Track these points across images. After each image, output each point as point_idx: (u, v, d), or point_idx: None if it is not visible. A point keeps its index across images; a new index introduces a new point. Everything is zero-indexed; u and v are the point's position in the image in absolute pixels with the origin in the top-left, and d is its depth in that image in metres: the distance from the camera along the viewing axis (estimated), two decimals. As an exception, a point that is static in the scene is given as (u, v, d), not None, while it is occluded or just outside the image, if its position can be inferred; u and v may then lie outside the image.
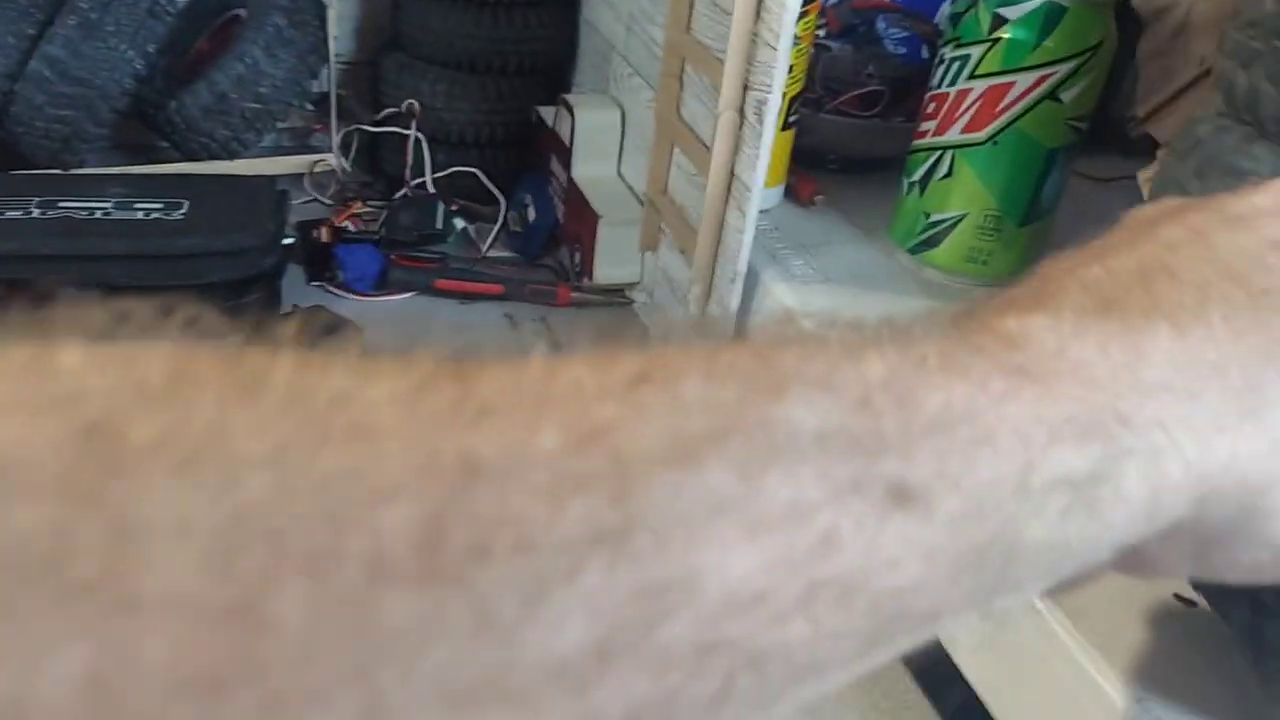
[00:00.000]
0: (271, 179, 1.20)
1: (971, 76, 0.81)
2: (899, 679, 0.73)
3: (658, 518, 0.21)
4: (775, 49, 0.79)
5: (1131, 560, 0.29)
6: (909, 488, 0.23)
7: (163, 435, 0.19)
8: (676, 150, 0.99)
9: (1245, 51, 0.64)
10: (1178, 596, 0.57)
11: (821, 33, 1.16)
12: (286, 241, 1.14)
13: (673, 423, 0.22)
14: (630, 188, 1.20)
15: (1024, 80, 0.79)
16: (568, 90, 1.43)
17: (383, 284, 1.15)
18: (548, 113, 1.31)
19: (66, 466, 0.19)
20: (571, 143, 1.21)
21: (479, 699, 0.20)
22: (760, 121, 0.81)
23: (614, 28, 1.23)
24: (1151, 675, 0.52)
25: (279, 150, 1.42)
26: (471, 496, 0.20)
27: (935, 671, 0.66)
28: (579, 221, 1.19)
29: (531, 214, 1.29)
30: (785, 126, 0.98)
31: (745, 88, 0.83)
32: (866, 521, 0.23)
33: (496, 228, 1.30)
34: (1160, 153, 0.73)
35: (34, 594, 0.18)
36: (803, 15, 0.89)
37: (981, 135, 0.83)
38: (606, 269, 1.17)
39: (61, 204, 1.06)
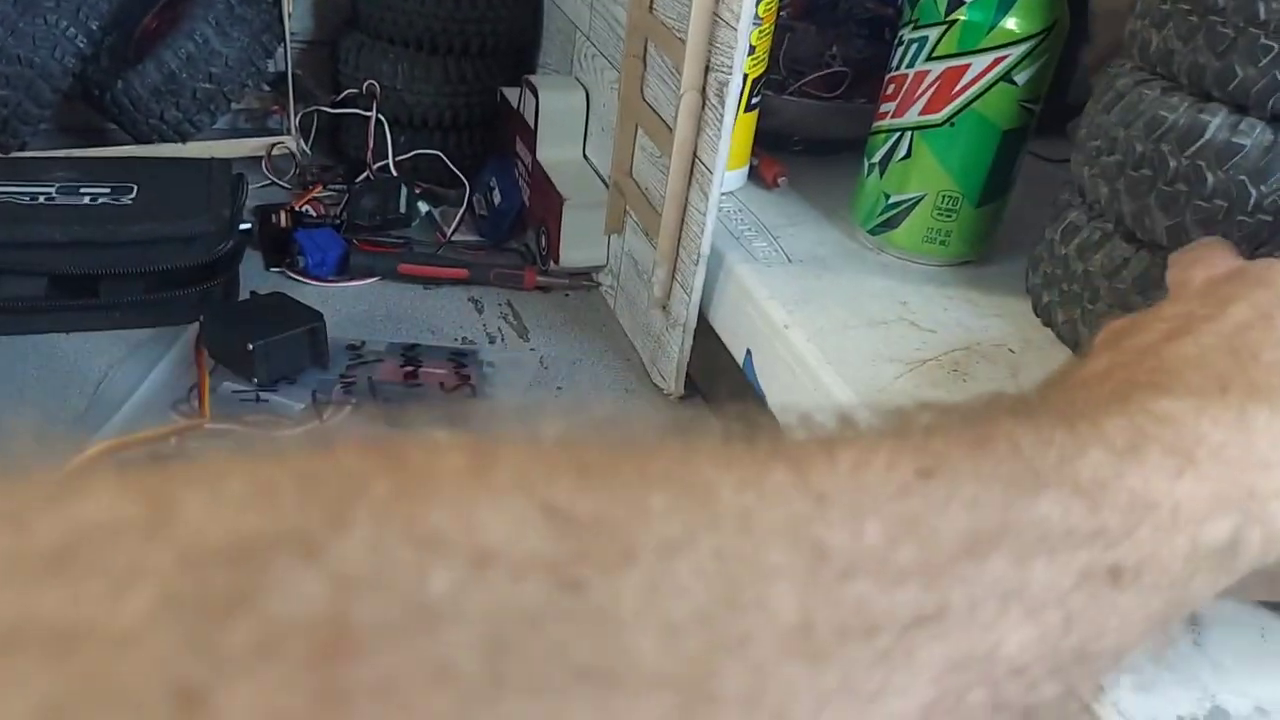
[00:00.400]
0: (226, 162, 1.19)
1: (929, 58, 0.83)
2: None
3: (962, 601, 0.26)
4: (735, 29, 0.79)
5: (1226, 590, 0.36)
6: (1123, 570, 0.30)
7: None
8: (640, 132, 1.00)
9: (1157, 14, 0.70)
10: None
11: (785, 14, 1.17)
12: (244, 227, 1.14)
13: (963, 518, 0.27)
14: (596, 170, 1.21)
15: (980, 62, 0.81)
16: (533, 71, 1.43)
17: (344, 270, 1.15)
18: (512, 94, 1.32)
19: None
20: (536, 125, 1.21)
21: None
22: (721, 103, 0.82)
23: (578, 7, 1.23)
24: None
25: (234, 133, 1.41)
26: (830, 584, 0.25)
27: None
28: (544, 205, 1.20)
29: (497, 197, 1.30)
30: (748, 109, 0.99)
31: (707, 69, 0.84)
32: (1094, 601, 0.29)
33: (461, 211, 1.30)
34: (1087, 105, 0.77)
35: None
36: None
37: (939, 117, 0.85)
38: (573, 252, 1.17)
39: (1, 190, 1.03)
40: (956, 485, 0.28)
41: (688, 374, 0.99)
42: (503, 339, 1.06)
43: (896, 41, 0.87)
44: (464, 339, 1.05)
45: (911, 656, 0.25)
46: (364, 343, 1.01)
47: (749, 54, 0.90)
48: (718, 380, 1.00)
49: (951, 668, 0.26)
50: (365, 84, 1.35)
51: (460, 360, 0.98)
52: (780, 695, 0.23)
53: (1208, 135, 0.67)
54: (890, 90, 0.88)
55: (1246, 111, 0.67)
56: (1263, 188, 0.66)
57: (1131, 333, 0.44)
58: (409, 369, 0.96)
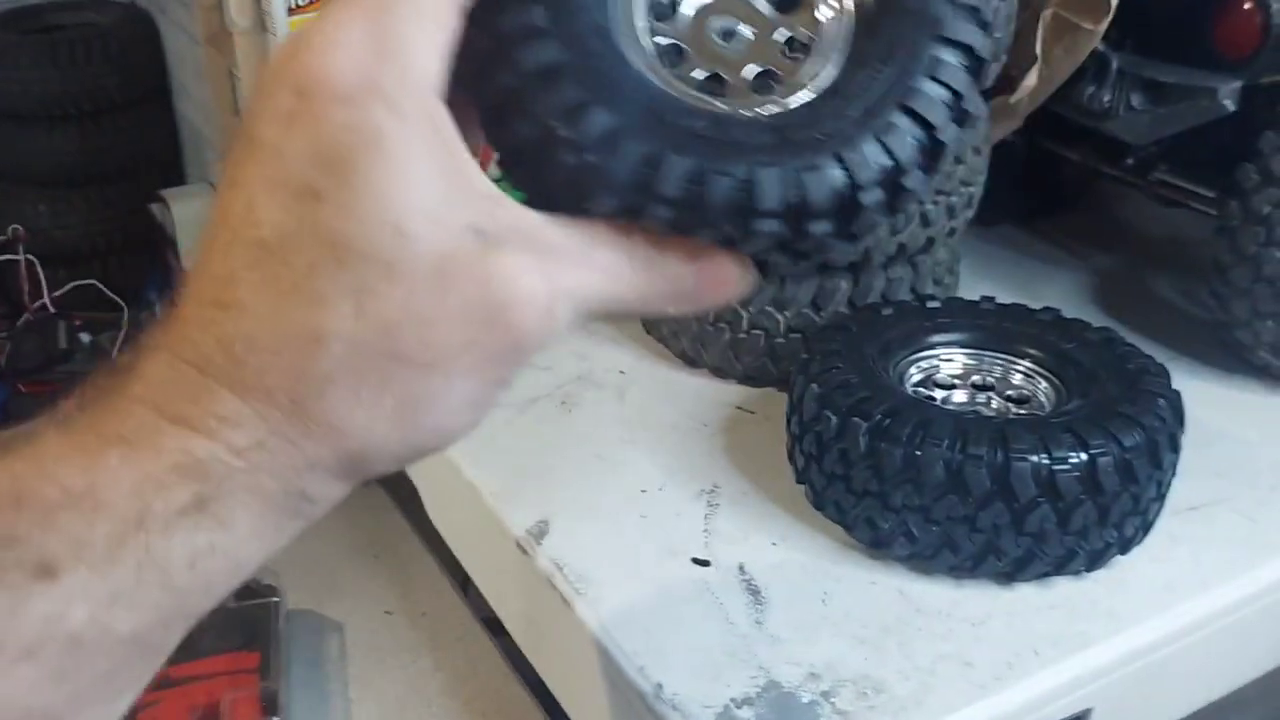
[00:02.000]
0: None
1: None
2: (513, 692, 0.76)
3: None
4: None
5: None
6: (53, 562, 0.31)
7: None
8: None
9: None
10: (695, 560, 0.62)
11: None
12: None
13: None
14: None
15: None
16: (184, 183, 1.43)
17: (7, 416, 1.14)
18: (158, 210, 1.32)
19: None
20: (175, 235, 1.21)
21: None
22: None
23: (198, 116, 1.24)
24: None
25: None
26: None
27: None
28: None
29: (159, 311, 1.29)
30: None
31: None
32: (20, 594, 0.31)
33: (122, 333, 1.29)
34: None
35: None
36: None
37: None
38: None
39: None
40: None
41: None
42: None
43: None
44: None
45: None
46: None
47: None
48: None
49: None
50: (11, 229, 1.33)
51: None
52: None
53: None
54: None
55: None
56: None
57: None
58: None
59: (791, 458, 0.66)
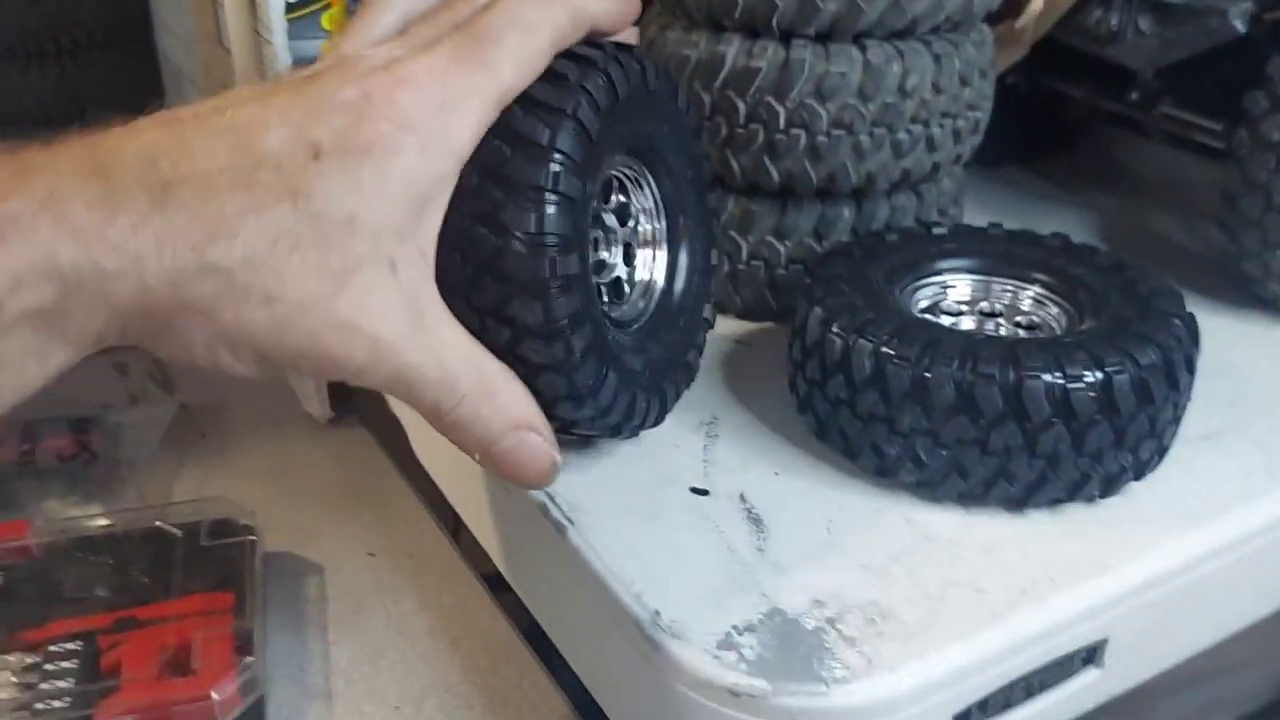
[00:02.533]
0: None
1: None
2: (502, 632, 0.74)
3: None
4: (272, 44, 0.79)
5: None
6: None
7: None
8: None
9: None
10: (693, 489, 0.60)
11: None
12: None
13: None
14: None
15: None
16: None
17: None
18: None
19: None
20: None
21: None
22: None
23: (180, 55, 1.21)
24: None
25: None
26: None
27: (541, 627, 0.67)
28: None
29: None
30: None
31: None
32: None
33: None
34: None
35: None
36: (324, 8, 0.90)
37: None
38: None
39: None
40: None
41: (344, 397, 0.97)
42: (145, 397, 1.03)
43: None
44: (102, 405, 1.01)
45: None
46: (-22, 432, 0.95)
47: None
48: (374, 398, 0.99)
49: None
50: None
51: (81, 427, 0.94)
52: None
53: (728, 63, 0.68)
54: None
55: (757, 35, 0.68)
56: (786, 103, 0.68)
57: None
58: (26, 446, 0.91)
59: (793, 387, 0.64)
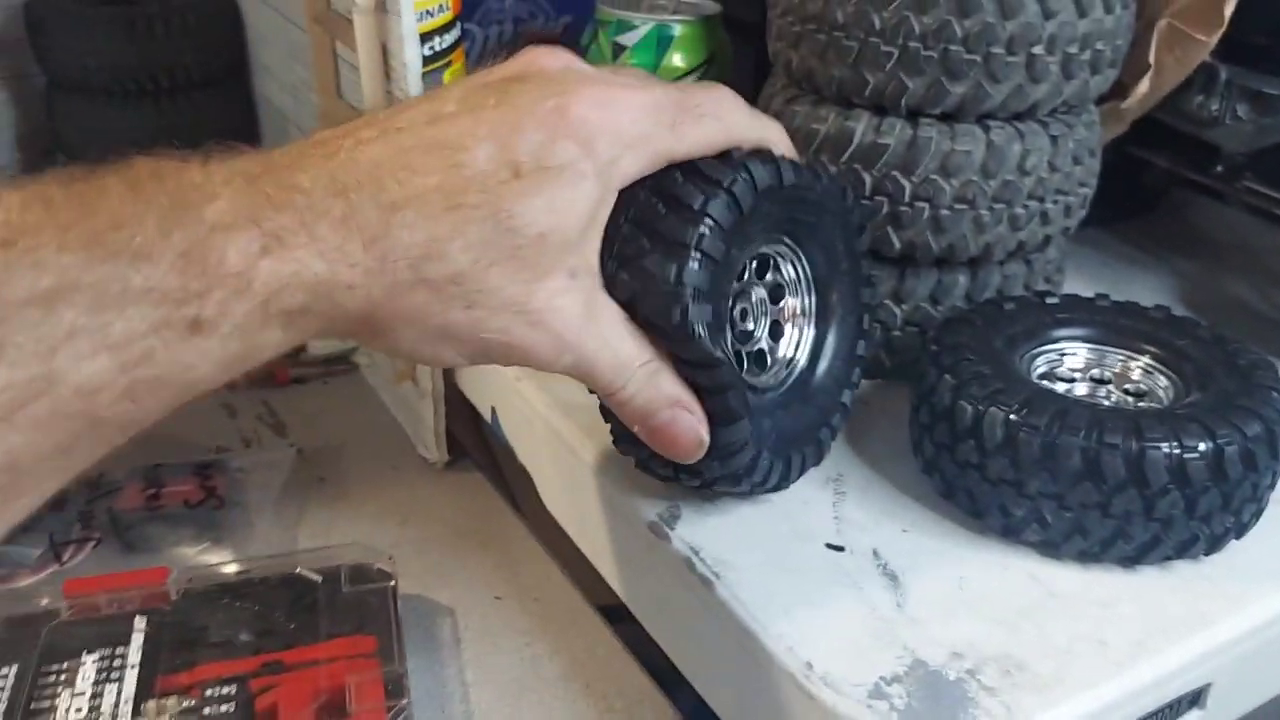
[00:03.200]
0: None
1: (606, 103, 0.92)
2: (633, 677, 0.82)
3: (26, 338, 0.38)
4: (410, 107, 0.88)
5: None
6: (202, 322, 0.43)
7: None
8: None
9: (790, 35, 0.80)
10: (829, 545, 0.69)
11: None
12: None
13: (29, 276, 0.39)
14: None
15: (651, 100, 0.90)
16: (256, 166, 1.48)
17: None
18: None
19: None
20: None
21: None
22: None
23: (283, 99, 1.30)
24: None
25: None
26: None
27: (670, 668, 0.76)
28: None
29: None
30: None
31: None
32: (174, 343, 0.42)
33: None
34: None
35: None
36: (445, 66, 0.99)
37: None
38: (321, 338, 1.21)
39: None
40: (30, 251, 0.39)
41: (457, 439, 1.05)
42: (259, 440, 1.12)
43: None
44: (217, 448, 1.09)
45: None
46: (101, 474, 1.02)
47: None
48: (486, 442, 1.08)
49: (11, 385, 0.38)
50: (79, 208, 1.37)
51: (205, 472, 1.02)
52: None
53: (856, 139, 0.77)
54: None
55: (885, 113, 0.77)
56: (913, 178, 0.76)
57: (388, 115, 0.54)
58: (151, 491, 0.99)
59: (918, 448, 0.73)
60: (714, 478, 0.66)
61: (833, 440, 0.72)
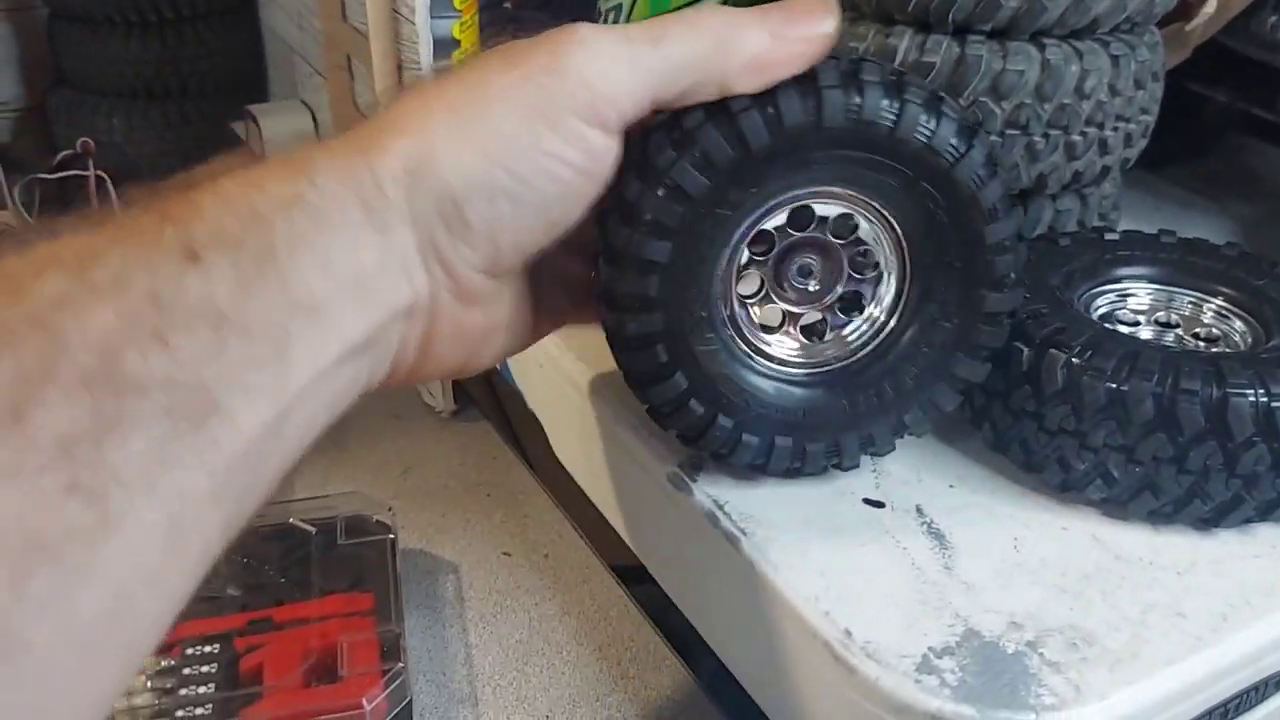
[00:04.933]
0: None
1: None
2: (647, 639, 0.75)
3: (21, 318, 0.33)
4: (414, 23, 0.81)
5: None
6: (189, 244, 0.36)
7: None
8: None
9: None
10: (867, 500, 0.61)
11: (508, 4, 1.18)
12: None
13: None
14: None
15: (675, 19, 0.83)
16: (266, 100, 1.42)
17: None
18: (241, 128, 1.31)
19: None
20: (263, 153, 1.21)
21: None
22: (420, 101, 0.83)
23: (288, 28, 1.23)
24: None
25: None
26: None
27: (688, 631, 0.68)
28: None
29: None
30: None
31: (399, 68, 0.85)
32: (170, 273, 0.35)
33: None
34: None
35: None
36: (453, -15, 0.91)
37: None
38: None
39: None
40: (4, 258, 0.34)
41: (464, 386, 0.99)
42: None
43: (596, 13, 0.88)
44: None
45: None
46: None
47: (455, 47, 0.91)
48: (494, 391, 1.01)
49: (23, 367, 0.32)
50: (80, 142, 1.32)
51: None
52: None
53: (899, 58, 0.69)
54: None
55: (930, 29, 0.69)
56: (960, 101, 0.68)
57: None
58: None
59: (968, 397, 0.65)
60: (675, 434, 0.59)
61: (893, 441, 0.60)
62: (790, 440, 0.57)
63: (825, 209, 0.56)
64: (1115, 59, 0.70)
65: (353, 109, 0.98)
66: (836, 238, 0.57)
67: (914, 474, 0.63)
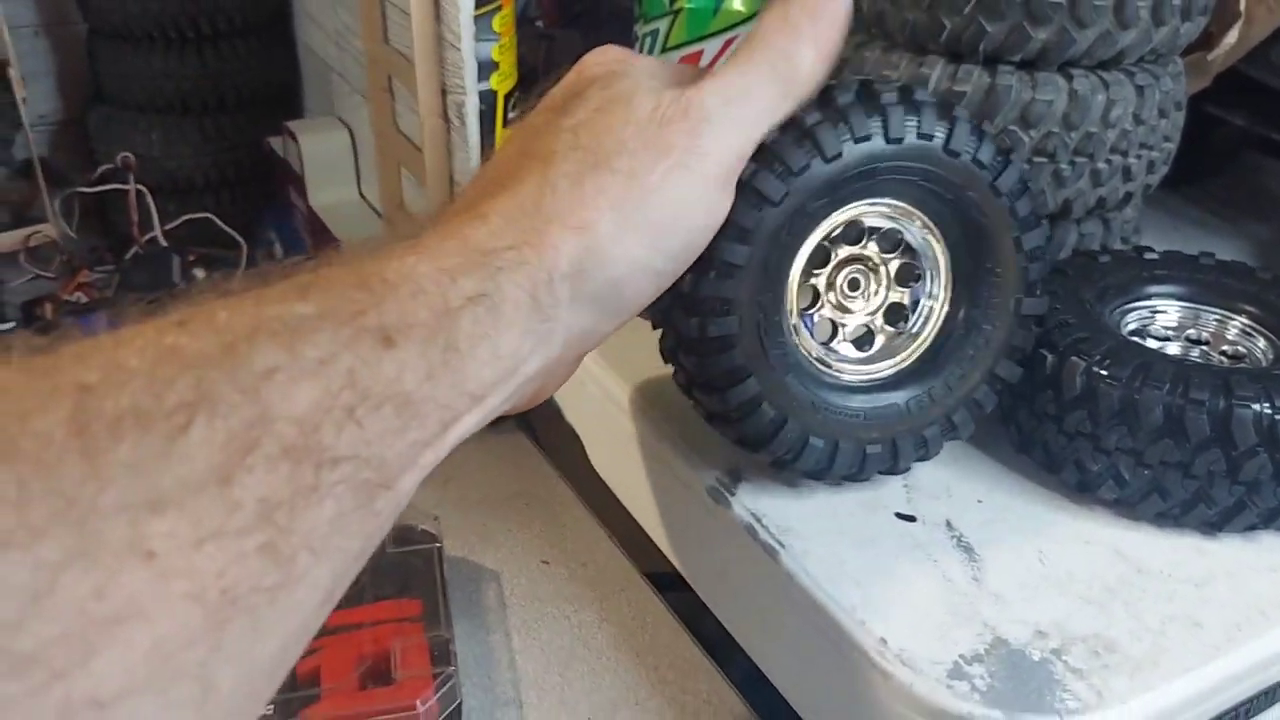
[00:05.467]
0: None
1: (664, 49, 0.87)
2: (683, 646, 0.78)
3: (226, 383, 0.35)
4: (459, 49, 0.84)
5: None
6: (388, 331, 0.39)
7: None
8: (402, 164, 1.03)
9: None
10: (899, 515, 0.64)
11: (541, 23, 1.21)
12: (2, 327, 1.14)
13: (211, 332, 0.36)
14: (373, 207, 1.23)
15: (712, 46, 0.85)
16: (301, 116, 1.45)
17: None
18: (278, 143, 1.34)
19: None
20: (303, 170, 1.24)
21: None
22: (464, 124, 0.86)
23: (327, 47, 1.26)
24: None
25: (-11, 228, 1.40)
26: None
27: (722, 637, 0.72)
28: (324, 250, 1.22)
29: (279, 250, 1.32)
30: (506, 123, 1.03)
31: (443, 92, 0.88)
32: (369, 357, 0.38)
33: (241, 271, 1.31)
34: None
35: None
36: (495, 10, 0.94)
37: (686, 105, 0.89)
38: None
39: None
40: (213, 313, 0.37)
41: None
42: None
43: (633, 39, 0.91)
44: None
45: (190, 434, 0.33)
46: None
47: (494, 70, 0.94)
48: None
49: (234, 434, 0.34)
50: (120, 156, 1.36)
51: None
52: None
53: (931, 87, 0.72)
54: (637, 85, 0.92)
55: (962, 59, 0.72)
56: (988, 128, 0.71)
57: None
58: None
59: (1000, 398, 0.68)
60: (739, 439, 0.62)
61: (938, 443, 0.64)
62: (852, 444, 0.61)
63: (876, 221, 0.61)
64: (1140, 89, 0.73)
65: (395, 131, 1.01)
66: (885, 251, 0.62)
67: (943, 489, 0.66)
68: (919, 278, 0.63)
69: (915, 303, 0.63)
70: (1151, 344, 0.70)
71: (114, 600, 0.30)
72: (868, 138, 0.55)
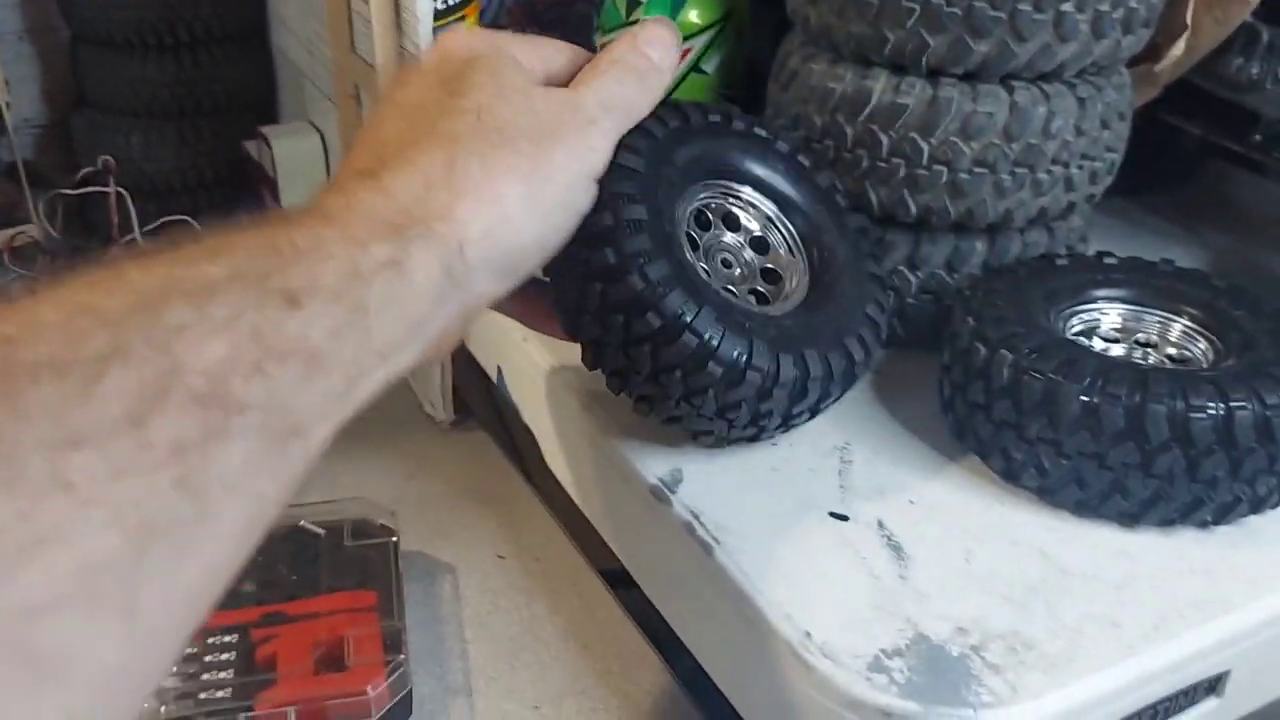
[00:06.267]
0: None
1: (622, 59, 0.88)
2: (630, 639, 0.79)
3: (139, 338, 0.36)
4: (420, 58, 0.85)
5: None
6: (295, 293, 0.41)
7: None
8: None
9: None
10: (833, 514, 0.65)
11: (509, 29, 1.22)
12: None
13: (126, 290, 0.38)
14: (346, 211, 1.24)
15: (667, 57, 0.87)
16: (276, 121, 1.46)
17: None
18: (254, 147, 1.35)
19: None
20: (275, 174, 1.25)
21: None
22: (426, 131, 0.87)
23: (299, 54, 1.27)
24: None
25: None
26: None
27: (670, 633, 0.73)
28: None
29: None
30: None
31: (406, 100, 0.89)
32: (275, 316, 0.40)
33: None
34: (768, 84, 0.82)
35: None
36: (458, 21, 0.95)
37: (641, 113, 0.90)
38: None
39: None
40: (126, 273, 0.39)
41: (464, 398, 1.03)
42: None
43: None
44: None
45: (104, 382, 0.35)
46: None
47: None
48: (492, 403, 1.05)
49: (146, 382, 0.36)
50: (101, 160, 1.37)
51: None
52: None
53: (874, 99, 0.73)
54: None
55: (905, 72, 0.73)
56: (931, 140, 0.72)
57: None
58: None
59: (941, 388, 0.71)
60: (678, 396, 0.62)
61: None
62: (791, 355, 0.62)
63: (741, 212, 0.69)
64: (1081, 101, 0.74)
65: (362, 134, 1.02)
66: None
67: (877, 490, 0.67)
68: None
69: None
70: (1097, 344, 0.71)
71: (37, 523, 0.32)
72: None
